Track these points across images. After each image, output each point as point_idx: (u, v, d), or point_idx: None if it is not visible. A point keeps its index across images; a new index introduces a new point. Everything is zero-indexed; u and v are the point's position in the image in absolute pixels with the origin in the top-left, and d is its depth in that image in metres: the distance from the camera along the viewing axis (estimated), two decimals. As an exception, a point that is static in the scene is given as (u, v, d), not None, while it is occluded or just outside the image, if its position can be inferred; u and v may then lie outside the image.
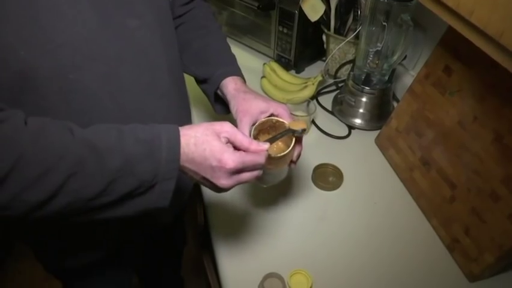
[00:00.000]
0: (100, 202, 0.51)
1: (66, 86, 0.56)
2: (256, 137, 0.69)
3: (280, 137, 0.66)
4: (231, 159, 0.54)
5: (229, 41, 1.40)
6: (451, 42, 0.84)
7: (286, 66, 1.26)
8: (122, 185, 0.50)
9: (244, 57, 1.36)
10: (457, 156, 0.81)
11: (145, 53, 0.64)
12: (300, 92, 1.14)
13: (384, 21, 0.94)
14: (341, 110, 1.12)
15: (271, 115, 0.70)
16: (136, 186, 0.51)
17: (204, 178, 0.57)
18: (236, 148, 0.58)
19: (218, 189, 0.58)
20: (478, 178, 0.76)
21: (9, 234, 1.79)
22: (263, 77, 1.20)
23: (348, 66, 1.19)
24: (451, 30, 0.83)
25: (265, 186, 0.73)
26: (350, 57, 1.18)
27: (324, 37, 1.22)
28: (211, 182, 0.57)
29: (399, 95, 1.13)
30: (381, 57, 0.99)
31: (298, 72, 1.29)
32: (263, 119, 0.69)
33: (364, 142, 1.06)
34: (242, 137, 0.58)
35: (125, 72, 0.62)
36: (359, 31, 1.05)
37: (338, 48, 1.13)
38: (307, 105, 1.07)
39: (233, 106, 0.73)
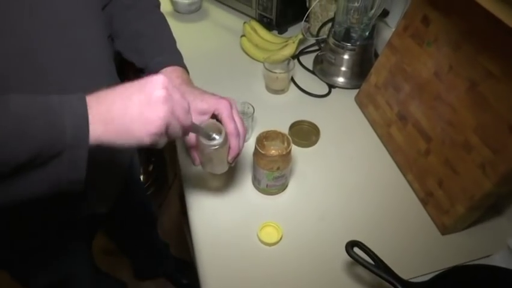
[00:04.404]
0: None
1: None
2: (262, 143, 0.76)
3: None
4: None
5: (211, 2, 1.39)
6: (430, -10, 0.81)
7: (268, 26, 1.23)
8: (14, 150, 0.43)
9: (225, 17, 1.33)
10: (432, 109, 0.80)
11: (65, 26, 0.58)
12: (281, 51, 1.11)
13: (363, -28, 0.91)
14: (322, 68, 1.09)
15: (213, 115, 0.66)
16: (35, 154, 0.44)
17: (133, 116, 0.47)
18: None
19: (153, 109, 0.48)
20: (452, 129, 0.75)
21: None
22: (243, 35, 1.17)
23: (330, 25, 1.16)
24: (429, -22, 0.80)
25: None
26: (331, 15, 1.14)
27: (306, -5, 1.18)
28: (143, 104, 0.48)
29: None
30: (360, 10, 0.96)
31: (280, 32, 1.26)
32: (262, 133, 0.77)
33: (344, 100, 1.05)
34: None
35: (43, 49, 0.56)
36: (339, -15, 1.01)
37: (317, 3, 1.10)
38: (288, 64, 1.05)
39: None
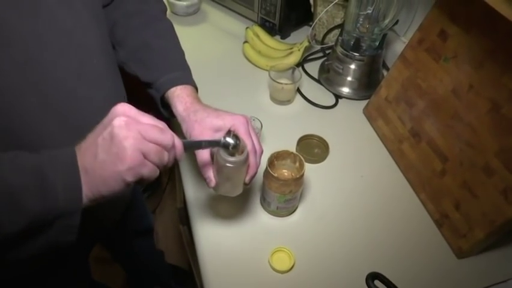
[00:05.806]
0: None
1: None
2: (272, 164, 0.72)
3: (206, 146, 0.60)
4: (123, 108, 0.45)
5: (211, 4, 1.33)
6: (448, 3, 0.77)
7: (271, 31, 1.19)
8: (5, 223, 0.41)
9: (226, 20, 1.28)
10: (449, 128, 0.77)
11: (70, 33, 0.55)
12: (285, 59, 1.07)
13: (376, -20, 0.87)
14: (328, 78, 1.06)
15: (228, 131, 0.61)
16: (27, 225, 0.42)
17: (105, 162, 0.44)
18: None
19: (122, 153, 0.43)
20: (471, 150, 0.72)
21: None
22: (245, 42, 1.12)
23: (337, 32, 1.12)
24: (448, -10, 0.77)
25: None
26: (338, 21, 1.11)
27: (311, -1, 1.14)
28: (112, 154, 0.44)
29: (389, 63, 1.07)
30: (371, 20, 0.93)
31: (283, 38, 1.22)
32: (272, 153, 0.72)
33: (352, 112, 1.01)
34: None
35: (48, 58, 0.53)
36: (348, -8, 0.97)
37: (325, 11, 1.06)
38: (293, 72, 1.01)
39: (185, 131, 0.65)
